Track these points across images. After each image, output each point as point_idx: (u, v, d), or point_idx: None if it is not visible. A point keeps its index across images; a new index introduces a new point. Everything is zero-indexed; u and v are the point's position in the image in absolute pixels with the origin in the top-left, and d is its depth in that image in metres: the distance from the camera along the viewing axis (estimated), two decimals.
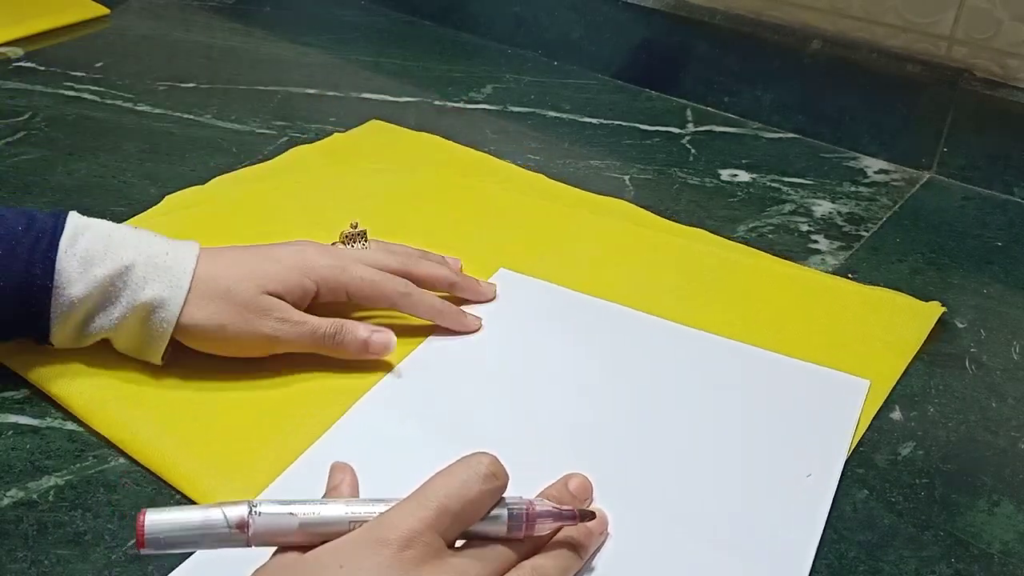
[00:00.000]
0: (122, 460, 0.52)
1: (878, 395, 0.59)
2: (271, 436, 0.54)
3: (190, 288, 0.55)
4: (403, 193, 0.78)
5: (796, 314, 0.66)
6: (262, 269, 0.57)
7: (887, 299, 0.68)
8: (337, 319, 0.58)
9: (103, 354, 0.57)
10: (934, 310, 0.66)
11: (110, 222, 0.57)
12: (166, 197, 0.76)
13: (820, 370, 0.60)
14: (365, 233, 0.64)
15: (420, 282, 0.62)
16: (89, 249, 0.54)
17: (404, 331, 0.61)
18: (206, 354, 0.57)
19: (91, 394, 0.55)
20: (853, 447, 0.55)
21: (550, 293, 0.66)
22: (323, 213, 0.74)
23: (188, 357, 0.57)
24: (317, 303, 0.59)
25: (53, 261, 0.54)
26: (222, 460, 0.52)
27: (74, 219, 0.56)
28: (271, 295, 0.57)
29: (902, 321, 0.65)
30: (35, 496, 0.50)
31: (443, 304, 0.62)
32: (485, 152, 0.86)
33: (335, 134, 0.88)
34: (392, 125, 0.90)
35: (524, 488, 0.45)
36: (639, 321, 0.64)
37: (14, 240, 0.54)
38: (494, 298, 0.65)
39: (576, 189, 0.80)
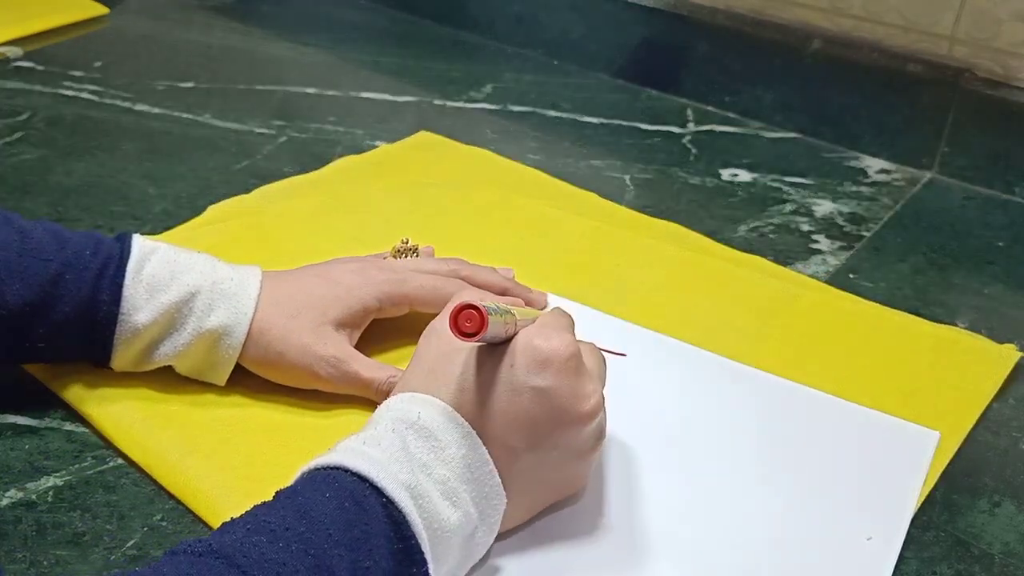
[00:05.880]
0: (120, 461, 0.52)
1: (948, 447, 0.55)
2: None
3: (254, 315, 0.54)
4: (452, 209, 0.76)
5: (862, 354, 0.62)
6: (323, 295, 0.56)
7: (959, 340, 0.64)
8: (395, 373, 0.55)
9: (139, 376, 0.56)
10: (1009, 354, 0.62)
11: (174, 245, 0.56)
12: (210, 207, 0.75)
13: (887, 419, 0.56)
14: (416, 248, 0.63)
15: (474, 286, 0.61)
16: (155, 275, 0.54)
17: None
18: (255, 376, 0.56)
19: (120, 416, 0.54)
20: (920, 504, 0.52)
21: (600, 322, 0.63)
22: (370, 228, 0.72)
23: (233, 379, 0.56)
24: (380, 316, 0.59)
25: (120, 287, 0.53)
26: (251, 490, 0.49)
27: (139, 243, 0.55)
28: (332, 323, 0.56)
29: (975, 365, 0.61)
30: (34, 497, 0.50)
31: (504, 286, 0.61)
32: (521, 164, 0.85)
33: (383, 146, 0.86)
34: (442, 137, 0.88)
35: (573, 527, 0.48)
36: (695, 356, 0.61)
37: (82, 266, 0.53)
38: (546, 307, 0.63)
39: (629, 210, 0.77)
